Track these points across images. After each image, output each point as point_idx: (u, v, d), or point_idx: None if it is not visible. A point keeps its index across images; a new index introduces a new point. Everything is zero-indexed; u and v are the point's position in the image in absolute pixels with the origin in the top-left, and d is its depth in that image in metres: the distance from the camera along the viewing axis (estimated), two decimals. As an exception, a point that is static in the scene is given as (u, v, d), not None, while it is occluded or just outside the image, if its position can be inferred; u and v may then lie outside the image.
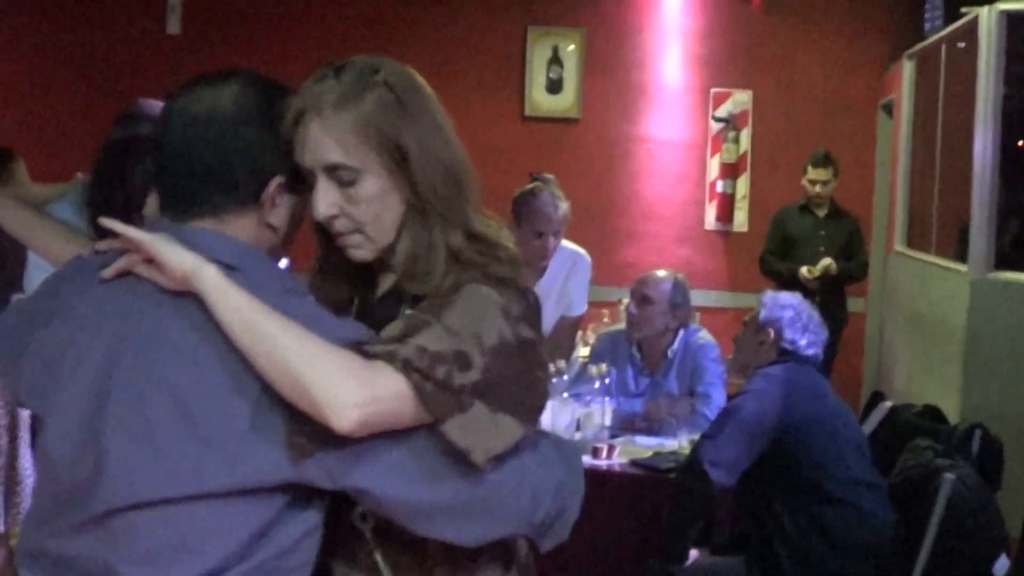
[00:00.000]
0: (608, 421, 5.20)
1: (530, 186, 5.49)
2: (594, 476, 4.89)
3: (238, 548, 2.01)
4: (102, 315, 2.06)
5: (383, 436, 1.97)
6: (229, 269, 2.03)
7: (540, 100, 9.48)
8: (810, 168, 8.38)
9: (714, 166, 9.25)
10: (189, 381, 1.97)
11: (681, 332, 5.63)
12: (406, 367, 1.94)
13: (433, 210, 2.15)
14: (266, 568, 2.02)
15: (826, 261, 8.17)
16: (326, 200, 2.12)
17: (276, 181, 2.13)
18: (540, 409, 2.16)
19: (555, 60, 9.43)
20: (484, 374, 2.00)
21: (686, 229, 9.29)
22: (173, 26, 9.89)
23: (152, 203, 2.25)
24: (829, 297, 8.20)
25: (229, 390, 1.97)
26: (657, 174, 9.35)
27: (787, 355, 4.69)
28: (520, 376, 2.07)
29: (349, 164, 2.11)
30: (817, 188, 8.35)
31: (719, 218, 9.25)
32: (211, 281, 1.99)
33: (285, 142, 2.12)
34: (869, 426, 5.45)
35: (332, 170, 2.11)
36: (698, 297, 8.48)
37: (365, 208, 2.14)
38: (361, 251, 2.18)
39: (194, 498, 1.97)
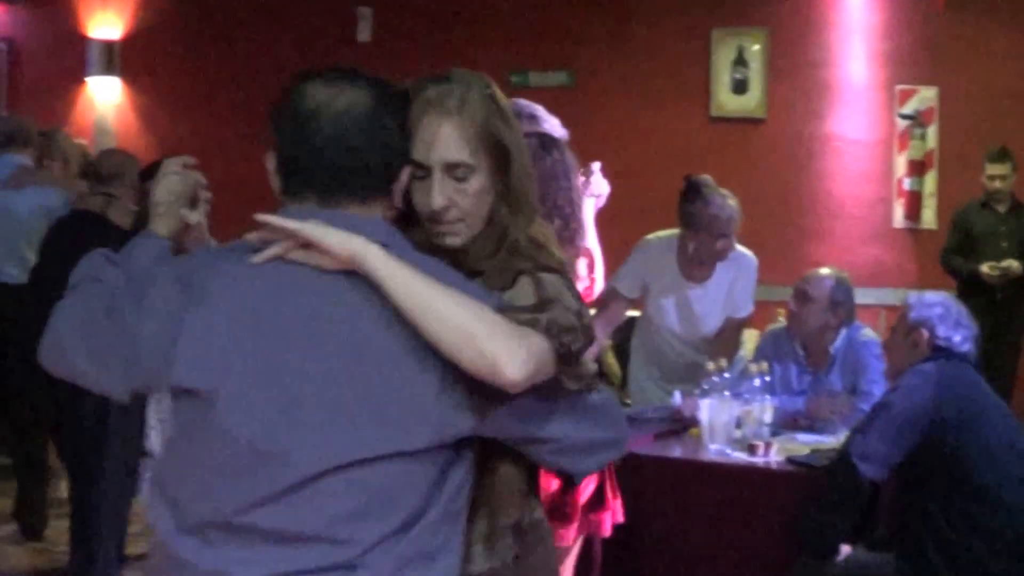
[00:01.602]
0: (768, 419, 5.19)
1: (698, 192, 5.64)
2: (750, 473, 4.96)
3: (420, 499, 2.25)
4: (261, 298, 2.24)
5: (533, 392, 2.27)
6: (382, 247, 2.23)
7: (725, 101, 9.48)
8: (988, 164, 8.29)
9: (901, 163, 9.11)
10: (367, 352, 2.20)
11: (844, 330, 5.60)
12: (548, 333, 2.25)
13: (516, 207, 2.50)
14: (442, 513, 2.28)
15: (1009, 261, 8.04)
16: (443, 193, 2.41)
17: (407, 170, 2.38)
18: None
19: (740, 61, 9.42)
20: (584, 339, 2.34)
21: (873, 227, 9.17)
22: (363, 34, 10.14)
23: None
24: (1012, 294, 8.09)
25: (407, 357, 2.20)
26: (843, 172, 9.26)
27: (940, 352, 4.65)
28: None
29: (468, 162, 2.42)
30: (996, 183, 8.27)
31: (907, 216, 9.11)
32: (379, 259, 2.20)
33: (409, 135, 2.39)
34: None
35: (452, 167, 2.41)
36: (886, 295, 8.47)
37: (472, 201, 2.44)
38: (457, 238, 2.46)
39: (384, 458, 2.20)
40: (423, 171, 2.41)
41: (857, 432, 4.55)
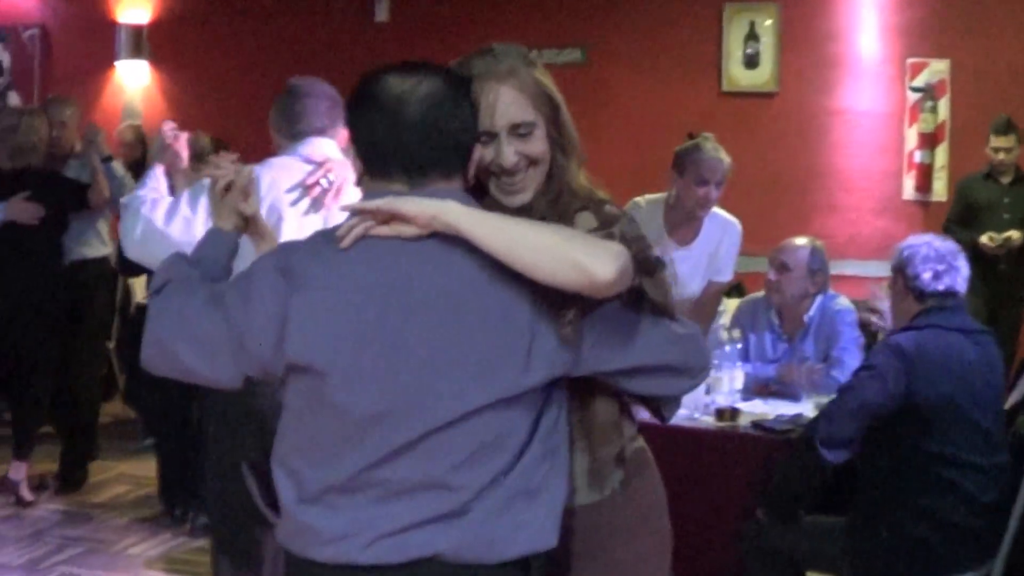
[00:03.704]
0: (738, 385, 5.32)
1: (702, 141, 5.68)
2: (716, 437, 5.07)
3: (521, 440, 2.50)
4: (358, 277, 2.45)
5: (616, 328, 2.59)
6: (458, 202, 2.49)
7: (737, 75, 9.54)
8: (992, 136, 8.27)
9: (911, 136, 9.13)
10: (462, 313, 2.44)
11: (819, 298, 5.68)
12: (623, 240, 2.52)
13: (568, 152, 2.76)
14: (540, 451, 2.52)
15: (1010, 232, 8.06)
16: (512, 151, 2.68)
17: (478, 147, 2.62)
18: None
19: (752, 35, 9.46)
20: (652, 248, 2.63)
21: (884, 200, 9.20)
22: (381, 14, 10.26)
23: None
24: (1013, 265, 8.11)
25: (499, 312, 2.45)
26: (854, 146, 9.29)
27: (918, 296, 4.59)
28: None
29: (530, 120, 2.69)
30: (1000, 155, 8.25)
31: (917, 188, 9.13)
32: (459, 212, 2.43)
33: (477, 113, 2.63)
34: (1018, 393, 5.40)
35: (516, 127, 2.68)
36: (896, 268, 8.51)
37: (537, 151, 2.71)
38: (526, 194, 2.73)
39: (487, 408, 2.44)
40: (488, 136, 2.66)
41: (824, 416, 4.52)
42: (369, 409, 2.44)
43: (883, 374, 4.41)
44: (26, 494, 7.29)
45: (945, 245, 4.64)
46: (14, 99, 10.90)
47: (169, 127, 4.80)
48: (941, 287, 4.56)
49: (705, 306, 5.90)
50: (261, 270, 2.52)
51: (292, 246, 2.59)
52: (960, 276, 4.60)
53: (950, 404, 4.39)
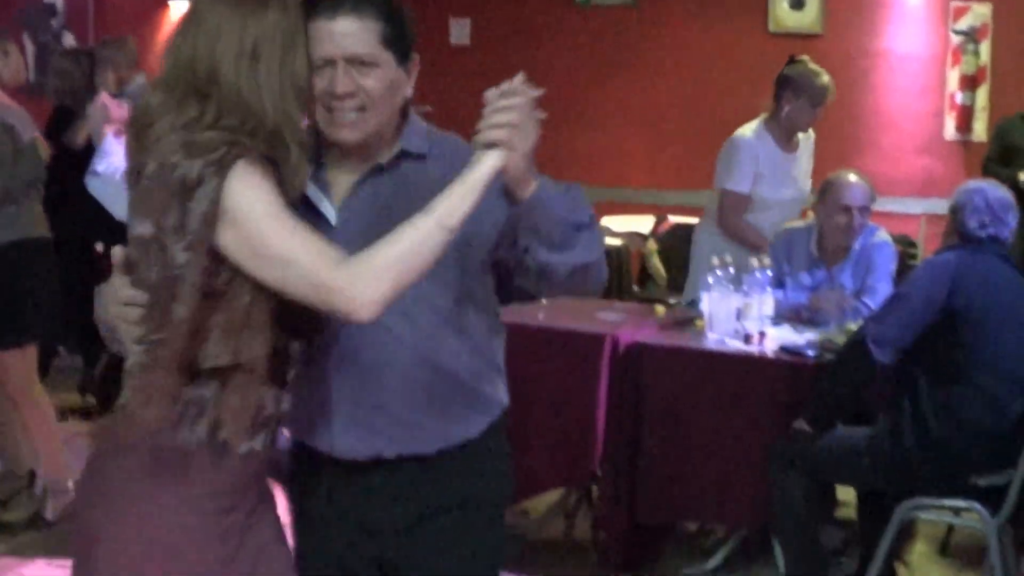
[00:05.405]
0: (768, 311, 5.42)
1: (811, 66, 6.30)
2: (745, 360, 5.23)
3: None
4: None
5: None
6: None
7: (784, 16, 9.60)
8: (1031, 76, 8.29)
9: (953, 78, 9.19)
10: None
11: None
12: None
13: None
14: None
15: None
16: None
17: None
18: None
19: (798, -24, 9.56)
20: None
21: (925, 140, 9.28)
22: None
23: None
24: (1053, 204, 8.14)
25: None
26: (897, 87, 9.35)
27: (962, 239, 4.84)
28: None
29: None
30: (1038, 95, 8.26)
31: (958, 128, 9.20)
32: None
33: None
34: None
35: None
36: (938, 206, 8.56)
37: None
38: None
39: None
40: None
41: (872, 320, 4.79)
42: None
43: (928, 283, 4.73)
44: None
45: (999, 198, 4.89)
46: (69, 40, 11.04)
47: None
48: (984, 235, 4.83)
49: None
50: None
51: None
52: (1007, 229, 4.87)
53: (987, 313, 4.66)
